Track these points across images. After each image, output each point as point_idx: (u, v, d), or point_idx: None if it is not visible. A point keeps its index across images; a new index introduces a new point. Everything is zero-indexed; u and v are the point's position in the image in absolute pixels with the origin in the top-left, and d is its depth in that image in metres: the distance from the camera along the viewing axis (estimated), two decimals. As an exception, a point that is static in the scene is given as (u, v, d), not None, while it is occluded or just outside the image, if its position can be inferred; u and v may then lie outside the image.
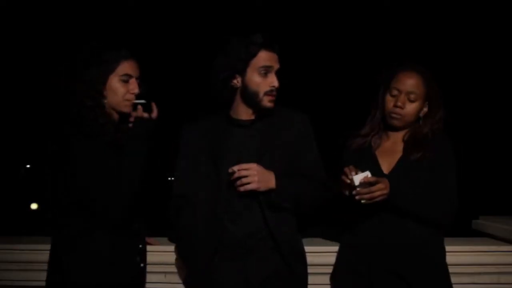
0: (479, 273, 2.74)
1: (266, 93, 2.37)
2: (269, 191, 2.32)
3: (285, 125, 2.44)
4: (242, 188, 2.29)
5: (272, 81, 2.37)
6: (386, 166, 2.47)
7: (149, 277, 2.78)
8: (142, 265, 2.32)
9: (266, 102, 2.38)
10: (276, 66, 2.39)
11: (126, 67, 2.24)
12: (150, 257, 2.78)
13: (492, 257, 2.76)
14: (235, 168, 2.28)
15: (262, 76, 2.36)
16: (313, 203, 2.45)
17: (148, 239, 2.82)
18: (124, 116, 2.27)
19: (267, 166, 2.34)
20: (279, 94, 2.42)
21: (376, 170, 2.44)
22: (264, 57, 2.36)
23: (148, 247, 2.79)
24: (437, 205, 2.38)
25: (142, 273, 2.34)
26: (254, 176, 2.28)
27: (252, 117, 2.43)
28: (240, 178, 2.28)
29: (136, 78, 2.26)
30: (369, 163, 2.47)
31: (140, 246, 2.33)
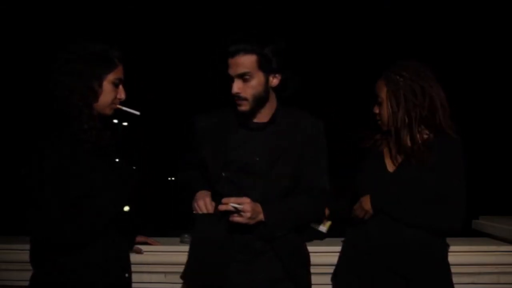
0: (479, 273, 2.74)
1: (233, 98, 2.34)
2: (259, 223, 2.29)
3: (295, 130, 2.40)
4: (233, 220, 2.25)
5: (233, 87, 2.31)
6: (390, 164, 2.47)
7: (149, 277, 2.79)
8: (126, 275, 2.23)
9: (237, 106, 2.34)
10: (234, 72, 2.29)
11: (120, 71, 2.20)
12: (150, 257, 2.78)
13: (492, 257, 2.76)
14: (231, 202, 2.22)
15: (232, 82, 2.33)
16: (310, 220, 2.47)
17: (148, 239, 2.82)
18: (102, 119, 2.19)
19: (276, 172, 2.33)
20: (285, 95, 2.40)
21: (380, 169, 2.46)
22: (229, 66, 2.31)
23: (148, 247, 2.80)
24: (439, 214, 2.36)
25: (127, 283, 2.26)
26: (248, 213, 2.23)
27: (264, 120, 2.40)
28: (231, 210, 2.23)
29: (123, 84, 2.22)
30: (375, 161, 2.48)
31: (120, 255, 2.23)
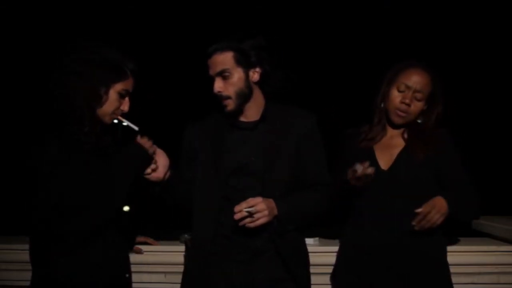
0: (479, 273, 2.74)
1: (218, 100, 2.35)
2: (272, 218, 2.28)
3: (289, 126, 2.39)
4: (253, 225, 2.22)
5: (214, 87, 2.33)
6: (383, 161, 2.46)
7: (149, 277, 2.79)
8: (126, 275, 2.23)
9: (224, 108, 2.35)
10: (213, 71, 2.32)
11: (130, 83, 2.19)
12: (150, 257, 2.79)
13: (492, 257, 2.76)
14: (243, 208, 2.20)
15: None
16: (316, 216, 2.42)
17: (148, 239, 2.83)
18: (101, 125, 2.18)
19: (273, 172, 2.32)
20: (269, 90, 2.39)
21: (373, 166, 2.43)
22: (209, 67, 2.34)
23: (148, 247, 2.80)
24: (468, 204, 2.38)
25: (127, 283, 2.26)
26: (265, 211, 2.22)
27: (254, 118, 2.39)
28: (246, 215, 2.21)
29: (129, 97, 2.21)
30: (366, 158, 2.43)
31: (120, 255, 2.23)
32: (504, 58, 5.93)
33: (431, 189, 2.38)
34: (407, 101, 2.41)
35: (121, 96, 2.17)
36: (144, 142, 2.23)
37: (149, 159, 2.25)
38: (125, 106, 2.20)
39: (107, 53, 2.15)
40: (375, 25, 6.13)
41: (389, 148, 2.48)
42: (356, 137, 2.54)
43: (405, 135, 2.50)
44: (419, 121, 2.47)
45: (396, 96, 2.44)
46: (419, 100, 2.42)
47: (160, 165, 2.30)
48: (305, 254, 2.45)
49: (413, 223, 2.25)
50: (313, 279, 2.47)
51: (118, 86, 2.15)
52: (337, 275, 2.54)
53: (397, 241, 2.36)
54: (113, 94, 2.15)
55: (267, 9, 5.89)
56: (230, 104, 2.33)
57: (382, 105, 2.49)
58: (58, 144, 2.04)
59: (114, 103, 2.16)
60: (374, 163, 2.43)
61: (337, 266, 2.55)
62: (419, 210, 2.24)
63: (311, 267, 2.46)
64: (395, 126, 2.50)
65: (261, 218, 2.21)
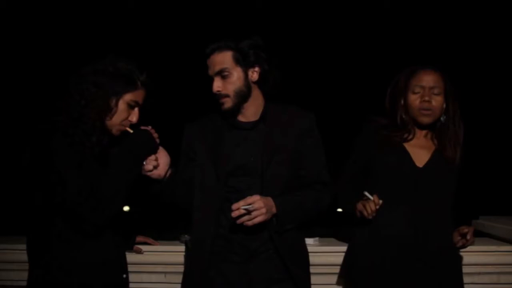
0: (479, 273, 2.74)
1: (216, 100, 2.36)
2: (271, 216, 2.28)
3: (288, 125, 2.38)
4: (250, 223, 2.21)
5: (213, 87, 2.34)
6: (418, 159, 2.46)
7: (149, 277, 2.79)
8: (124, 275, 2.22)
9: (221, 106, 2.36)
10: (212, 71, 2.33)
11: (140, 94, 2.18)
12: (150, 257, 2.79)
13: (492, 257, 2.76)
14: (241, 205, 2.19)
15: None
16: (314, 216, 2.42)
17: (148, 239, 2.83)
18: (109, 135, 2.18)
19: (272, 171, 2.32)
20: (267, 89, 2.40)
21: (408, 164, 2.44)
22: (208, 67, 2.35)
23: (148, 247, 2.80)
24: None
25: (125, 284, 2.24)
26: (263, 209, 2.21)
27: (253, 118, 2.39)
28: (244, 213, 2.20)
29: (139, 108, 2.21)
30: (401, 157, 2.46)
31: (119, 255, 2.22)
32: (505, 58, 5.94)
33: (453, 189, 2.46)
34: (426, 98, 2.44)
35: (130, 107, 2.16)
36: (153, 131, 2.25)
37: (155, 147, 2.25)
38: (134, 117, 2.18)
39: (120, 65, 2.14)
40: (375, 26, 6.14)
41: (421, 148, 2.50)
42: (379, 130, 2.52)
43: (434, 136, 2.52)
44: (441, 119, 2.49)
45: (414, 99, 2.46)
46: (437, 95, 2.45)
47: (161, 163, 2.30)
48: (304, 254, 2.45)
49: (458, 245, 2.43)
50: (313, 279, 2.47)
51: (128, 97, 2.14)
52: (353, 274, 2.51)
53: (424, 239, 2.37)
54: (122, 104, 2.14)
55: (267, 9, 5.90)
56: (228, 102, 2.33)
57: (404, 115, 2.49)
58: (67, 143, 2.03)
59: (122, 113, 2.15)
60: (409, 160, 2.45)
61: (354, 263, 2.52)
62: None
63: (311, 267, 2.45)
64: (423, 127, 2.51)
65: (259, 216, 2.20)
